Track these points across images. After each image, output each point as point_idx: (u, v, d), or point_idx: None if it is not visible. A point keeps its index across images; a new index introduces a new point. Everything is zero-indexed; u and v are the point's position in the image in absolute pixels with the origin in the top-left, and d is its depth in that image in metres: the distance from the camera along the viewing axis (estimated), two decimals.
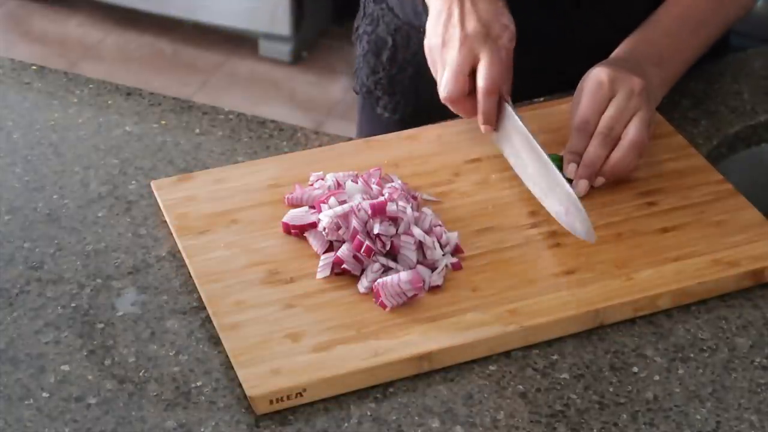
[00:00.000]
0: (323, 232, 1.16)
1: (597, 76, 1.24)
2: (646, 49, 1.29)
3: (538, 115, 1.34)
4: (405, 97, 1.52)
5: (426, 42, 1.29)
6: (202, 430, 1.02)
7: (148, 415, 1.03)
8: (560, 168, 1.23)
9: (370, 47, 1.53)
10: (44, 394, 1.04)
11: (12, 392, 1.05)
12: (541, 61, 1.39)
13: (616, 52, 1.30)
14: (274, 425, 1.03)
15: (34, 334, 1.10)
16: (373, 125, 1.56)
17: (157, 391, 1.05)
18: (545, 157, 1.20)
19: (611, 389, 1.07)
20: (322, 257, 1.15)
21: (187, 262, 1.16)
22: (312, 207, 1.19)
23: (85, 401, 1.04)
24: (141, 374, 1.06)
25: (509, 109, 1.24)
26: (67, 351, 1.08)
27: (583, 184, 1.22)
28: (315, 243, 1.17)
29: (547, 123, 1.32)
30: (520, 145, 1.23)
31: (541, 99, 1.39)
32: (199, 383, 1.06)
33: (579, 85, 1.26)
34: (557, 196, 1.19)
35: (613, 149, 1.22)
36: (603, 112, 1.23)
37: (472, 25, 1.24)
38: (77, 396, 1.04)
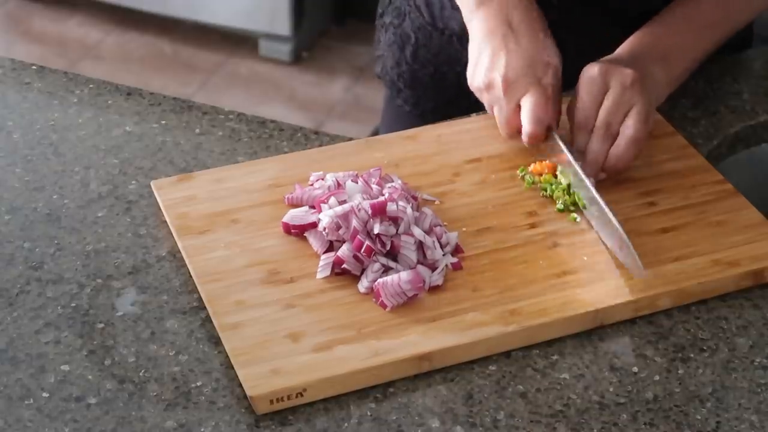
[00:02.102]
0: (323, 232, 1.16)
1: (589, 72, 1.24)
2: (649, 47, 1.29)
3: None
4: (426, 93, 1.52)
5: (469, 80, 1.28)
6: (202, 430, 1.02)
7: (148, 415, 1.03)
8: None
9: (395, 39, 1.53)
10: (44, 394, 1.04)
11: (12, 392, 1.04)
12: None
13: (618, 51, 1.30)
14: (274, 425, 1.03)
15: (34, 334, 1.10)
16: (396, 118, 1.56)
17: (157, 391, 1.05)
18: (597, 196, 1.19)
19: (611, 389, 1.07)
20: (322, 257, 1.15)
21: (187, 262, 1.16)
22: (312, 207, 1.19)
23: (85, 401, 1.04)
24: (141, 374, 1.06)
25: (557, 140, 1.24)
26: (67, 351, 1.08)
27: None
28: (315, 243, 1.16)
29: None
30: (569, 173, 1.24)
31: None
32: (199, 383, 1.06)
33: (576, 85, 1.26)
34: (609, 231, 1.18)
35: (612, 143, 1.22)
36: (600, 106, 1.23)
37: (513, 69, 1.24)
38: (77, 396, 1.04)
